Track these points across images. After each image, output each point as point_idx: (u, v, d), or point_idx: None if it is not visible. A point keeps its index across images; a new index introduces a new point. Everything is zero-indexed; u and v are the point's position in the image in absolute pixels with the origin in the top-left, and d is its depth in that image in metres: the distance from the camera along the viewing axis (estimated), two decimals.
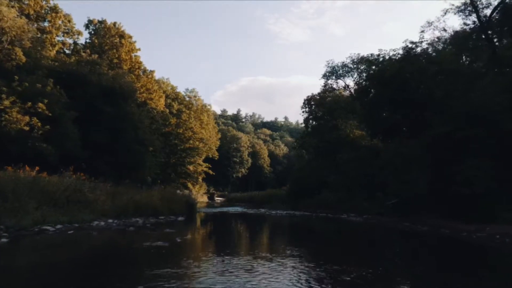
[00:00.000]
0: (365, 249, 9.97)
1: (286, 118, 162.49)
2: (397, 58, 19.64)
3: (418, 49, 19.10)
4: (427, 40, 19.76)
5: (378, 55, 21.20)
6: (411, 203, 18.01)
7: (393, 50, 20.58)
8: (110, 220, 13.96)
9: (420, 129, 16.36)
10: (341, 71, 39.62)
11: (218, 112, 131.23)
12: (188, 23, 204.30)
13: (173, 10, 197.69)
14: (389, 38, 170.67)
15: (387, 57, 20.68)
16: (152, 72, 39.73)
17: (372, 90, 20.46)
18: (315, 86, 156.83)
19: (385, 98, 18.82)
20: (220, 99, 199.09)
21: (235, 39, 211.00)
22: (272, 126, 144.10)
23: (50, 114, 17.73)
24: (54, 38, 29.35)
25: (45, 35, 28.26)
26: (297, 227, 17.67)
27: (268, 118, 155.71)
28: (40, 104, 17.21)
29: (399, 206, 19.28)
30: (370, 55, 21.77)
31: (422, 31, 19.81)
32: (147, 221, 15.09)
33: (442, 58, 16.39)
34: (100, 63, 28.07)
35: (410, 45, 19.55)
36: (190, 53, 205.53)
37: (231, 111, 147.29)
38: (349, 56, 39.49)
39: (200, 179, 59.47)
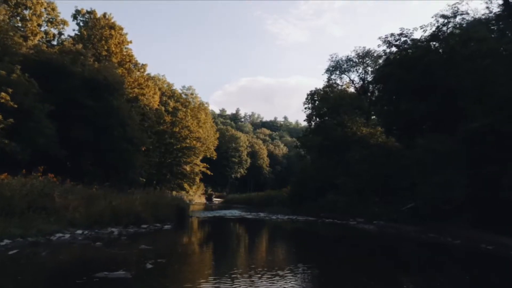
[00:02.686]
0: (404, 275, 7.59)
1: (285, 118, 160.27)
2: (424, 37, 16.79)
3: (450, 26, 16.36)
4: (462, 12, 17.03)
5: (400, 34, 18.48)
6: (432, 209, 15.68)
7: (420, 27, 17.84)
8: (79, 231, 11.56)
9: (453, 122, 13.94)
10: (345, 65, 37.43)
11: (217, 111, 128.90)
12: (186, 23, 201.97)
13: (171, 10, 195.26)
14: None
15: (411, 37, 17.88)
16: (144, 65, 37.29)
17: (391, 78, 17.80)
18: (314, 86, 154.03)
19: (407, 86, 16.24)
20: (219, 99, 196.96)
21: (233, 40, 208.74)
22: (272, 126, 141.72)
23: (15, 106, 15.33)
24: (35, 27, 26.92)
25: (24, 23, 25.91)
26: (303, 237, 15.31)
27: (267, 117, 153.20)
28: (3, 94, 14.80)
29: (417, 212, 16.93)
30: (390, 35, 19.04)
31: (456, 3, 17.08)
32: (125, 232, 12.71)
33: (482, 35, 13.78)
34: (85, 53, 25.68)
35: (441, 20, 16.90)
36: (188, 53, 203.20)
37: (230, 111, 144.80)
38: (354, 50, 37.23)
39: (197, 180, 57.10)
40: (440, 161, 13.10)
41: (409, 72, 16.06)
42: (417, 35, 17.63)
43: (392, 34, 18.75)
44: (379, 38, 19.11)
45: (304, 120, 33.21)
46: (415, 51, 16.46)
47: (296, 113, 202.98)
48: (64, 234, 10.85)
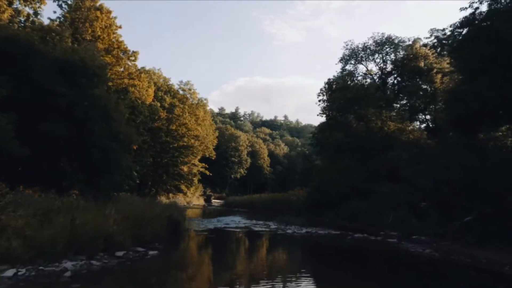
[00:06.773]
0: None
1: (285, 117, 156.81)
2: None
3: None
4: None
5: None
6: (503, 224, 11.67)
7: None
8: (10, 272, 7.43)
9: None
10: (362, 54, 33.55)
11: (216, 111, 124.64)
12: (183, 24, 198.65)
13: (168, 10, 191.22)
14: None
15: None
16: (135, 53, 32.97)
17: (476, 46, 13.05)
18: (312, 86, 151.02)
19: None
20: (217, 99, 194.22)
21: (231, 40, 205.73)
22: (272, 125, 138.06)
23: None
24: (3, 1, 22.71)
25: None
26: (344, 268, 11.23)
27: (267, 117, 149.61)
28: None
29: (479, 228, 12.91)
30: None
31: None
32: (86, 267, 8.56)
33: None
34: (60, 32, 21.52)
35: None
36: (186, 54, 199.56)
37: (229, 110, 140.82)
38: (371, 37, 33.28)
39: (195, 181, 53.18)
40: None
41: None
42: None
43: None
44: (388, 36, 14.28)
45: (318, 115, 29.10)
46: None
47: (296, 112, 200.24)
48: None
